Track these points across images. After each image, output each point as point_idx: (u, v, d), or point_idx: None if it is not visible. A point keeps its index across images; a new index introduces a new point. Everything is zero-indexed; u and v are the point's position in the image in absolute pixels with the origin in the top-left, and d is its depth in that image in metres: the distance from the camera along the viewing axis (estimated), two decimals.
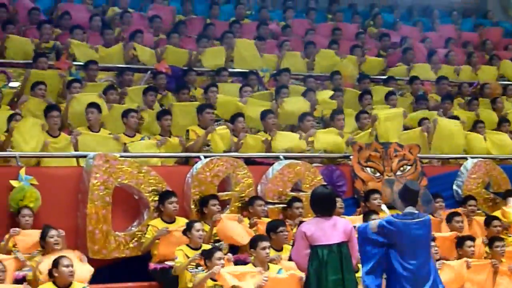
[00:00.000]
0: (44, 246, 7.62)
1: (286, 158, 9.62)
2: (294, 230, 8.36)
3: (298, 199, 9.09)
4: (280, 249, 8.18)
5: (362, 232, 7.10)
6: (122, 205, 8.59)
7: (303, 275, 7.09)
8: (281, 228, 8.25)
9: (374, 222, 7.32)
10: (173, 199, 8.43)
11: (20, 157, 8.67)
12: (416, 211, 7.09)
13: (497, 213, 9.88)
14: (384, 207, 9.39)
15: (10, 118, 9.25)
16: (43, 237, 7.61)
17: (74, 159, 9.18)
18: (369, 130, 10.67)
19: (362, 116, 11.19)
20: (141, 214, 8.66)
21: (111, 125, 10.00)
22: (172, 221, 8.43)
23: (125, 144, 9.44)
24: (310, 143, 10.32)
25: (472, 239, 8.94)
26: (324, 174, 9.63)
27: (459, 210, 9.77)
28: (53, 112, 9.42)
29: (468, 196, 10.12)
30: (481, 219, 9.81)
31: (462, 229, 9.31)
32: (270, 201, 9.15)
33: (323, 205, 6.83)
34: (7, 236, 7.68)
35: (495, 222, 9.39)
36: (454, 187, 10.44)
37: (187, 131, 10.05)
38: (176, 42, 12.65)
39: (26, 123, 9.12)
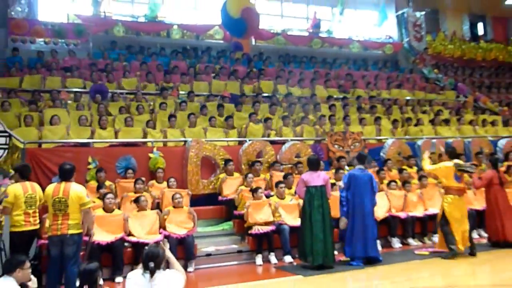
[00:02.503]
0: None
1: (292, 140, 9.41)
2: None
3: (300, 162, 8.90)
4: (289, 188, 7.99)
5: (340, 192, 6.85)
6: (206, 166, 8.53)
7: (300, 202, 7.06)
8: (289, 177, 8.14)
9: (341, 182, 7.07)
10: (231, 163, 8.32)
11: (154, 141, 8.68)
12: (364, 168, 6.91)
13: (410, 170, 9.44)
14: (346, 165, 9.14)
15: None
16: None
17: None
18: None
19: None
20: (215, 171, 8.58)
21: (202, 125, 9.72)
22: (231, 174, 8.29)
23: (204, 134, 9.23)
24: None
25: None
26: (312, 148, 9.43)
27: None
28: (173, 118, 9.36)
29: (387, 159, 9.69)
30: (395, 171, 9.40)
31: (384, 177, 8.97)
32: (284, 163, 8.98)
33: (312, 165, 6.74)
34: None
35: (404, 171, 9.06)
36: (381, 154, 10.08)
37: None
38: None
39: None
